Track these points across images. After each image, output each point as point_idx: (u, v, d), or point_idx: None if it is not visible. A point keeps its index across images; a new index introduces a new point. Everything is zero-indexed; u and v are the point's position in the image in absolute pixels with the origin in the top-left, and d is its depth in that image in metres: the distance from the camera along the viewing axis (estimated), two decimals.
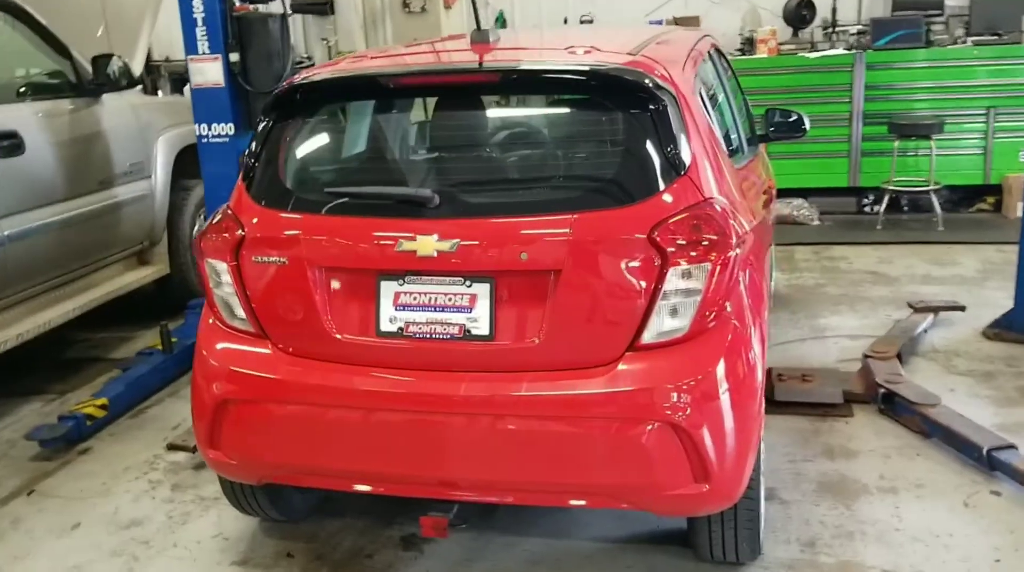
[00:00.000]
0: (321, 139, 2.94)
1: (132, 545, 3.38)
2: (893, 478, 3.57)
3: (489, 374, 2.67)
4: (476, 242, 2.65)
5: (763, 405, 2.76)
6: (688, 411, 2.55)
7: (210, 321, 2.99)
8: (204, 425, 2.93)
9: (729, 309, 2.65)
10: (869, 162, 8.09)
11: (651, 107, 2.68)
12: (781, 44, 8.58)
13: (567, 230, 2.60)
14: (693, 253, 2.56)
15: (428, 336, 2.70)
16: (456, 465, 2.72)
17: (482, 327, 2.67)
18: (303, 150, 2.92)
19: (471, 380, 2.66)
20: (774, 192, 5.08)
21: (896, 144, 7.60)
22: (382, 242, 2.69)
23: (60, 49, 5.25)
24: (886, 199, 7.77)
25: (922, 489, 3.48)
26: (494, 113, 2.89)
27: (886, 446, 3.83)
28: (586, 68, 2.75)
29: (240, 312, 2.88)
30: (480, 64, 2.82)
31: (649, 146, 2.67)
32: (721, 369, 2.59)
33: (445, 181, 2.82)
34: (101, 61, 5.32)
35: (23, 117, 4.77)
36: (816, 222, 8.01)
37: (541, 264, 2.62)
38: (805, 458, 3.77)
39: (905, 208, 8.16)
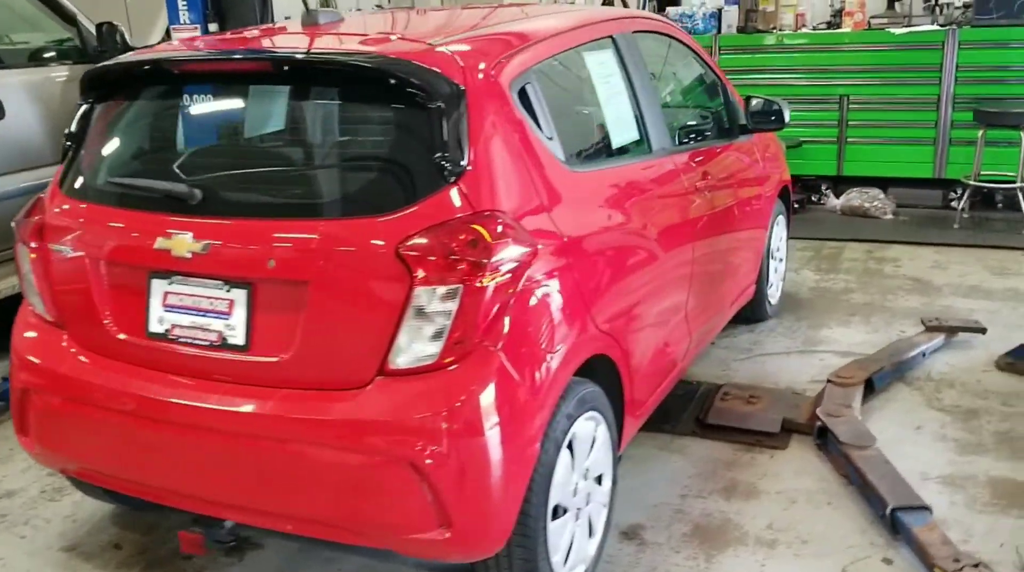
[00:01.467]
0: (118, 126, 2.82)
1: None
2: (781, 529, 3.15)
3: (241, 387, 2.49)
4: (229, 244, 2.46)
5: (535, 447, 2.44)
6: (427, 448, 2.29)
7: (26, 307, 2.95)
8: (13, 410, 2.91)
9: (495, 337, 2.34)
10: (959, 152, 7.24)
11: (425, 105, 2.39)
12: (873, 18, 7.80)
13: (316, 238, 2.37)
14: (443, 273, 2.28)
15: (191, 341, 2.55)
16: (203, 482, 2.57)
17: (238, 336, 2.49)
18: (101, 137, 2.81)
19: (222, 392, 2.50)
20: (773, 186, 4.60)
21: (980, 134, 6.76)
22: (146, 239, 2.55)
23: (66, 16, 5.37)
24: (966, 195, 6.95)
25: (805, 547, 3.05)
26: (268, 105, 2.67)
27: (798, 489, 3.39)
28: (354, 60, 2.48)
29: (38, 300, 2.83)
30: (252, 51, 2.61)
31: (417, 150, 2.40)
32: (470, 404, 2.30)
33: (210, 177, 2.64)
34: (106, 28, 5.40)
35: (7, 83, 4.90)
36: (888, 216, 7.28)
37: (290, 273, 2.41)
38: (700, 494, 3.39)
39: (999, 206, 7.29)
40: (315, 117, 2.60)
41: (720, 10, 7.74)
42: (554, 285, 2.53)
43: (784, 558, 2.99)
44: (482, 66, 2.53)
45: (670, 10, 7.93)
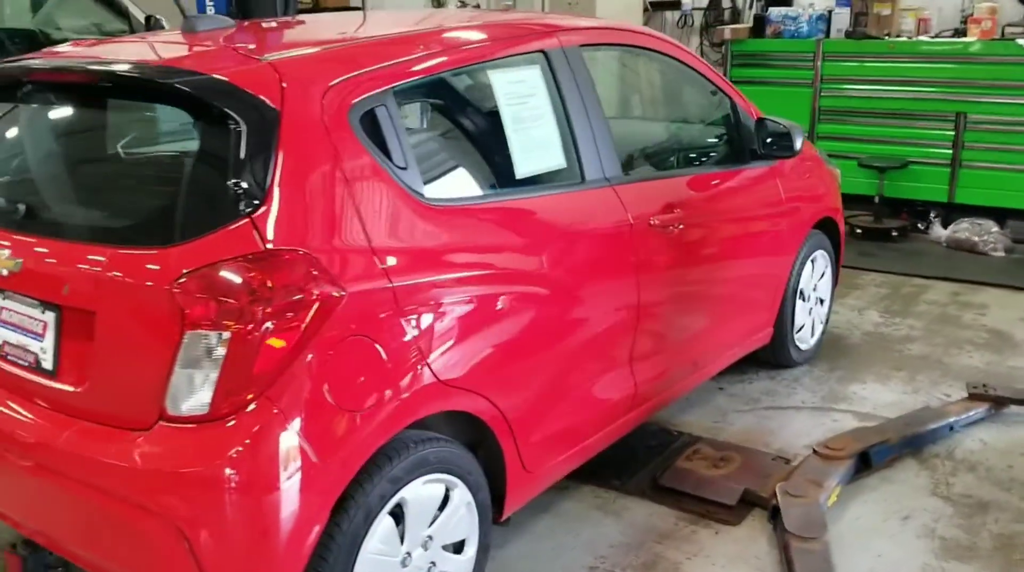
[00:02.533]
0: None
1: None
2: None
3: (49, 413, 2.36)
4: (38, 265, 2.34)
5: (323, 514, 2.17)
6: (182, 505, 2.09)
7: None
8: None
9: (279, 391, 2.10)
10: None
11: (229, 128, 2.17)
12: (1008, 26, 6.90)
13: (101, 266, 2.20)
14: (212, 317, 2.06)
15: (15, 360, 2.45)
16: (15, 503, 2.47)
17: (48, 360, 2.37)
18: None
19: (34, 415, 2.38)
20: (805, 218, 4.09)
21: None
22: None
23: (117, 8, 5.49)
24: None
25: None
26: (85, 121, 2.51)
27: None
28: (155, 77, 2.28)
29: None
30: (59, 64, 2.45)
31: (215, 177, 2.18)
32: (234, 463, 2.07)
33: (33, 193, 2.51)
34: (153, 20, 5.49)
35: None
36: (999, 253, 6.44)
37: (80, 301, 2.26)
38: (612, 568, 3.02)
39: None
40: (122, 136, 2.43)
41: (830, 12, 7.07)
42: (374, 335, 2.25)
43: None
44: (311, 87, 2.27)
45: (773, 10, 7.31)
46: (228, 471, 2.06)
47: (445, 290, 2.45)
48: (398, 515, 2.41)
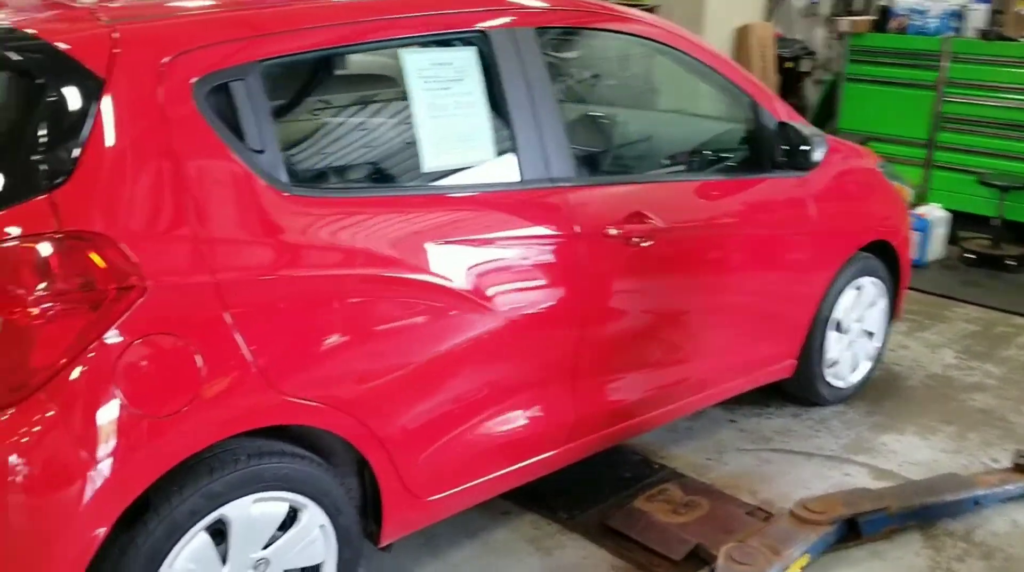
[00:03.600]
0: None
1: None
2: None
3: None
4: None
5: (98, 524, 1.97)
6: None
7: None
8: None
9: (59, 386, 1.92)
10: None
11: (46, 94, 1.99)
12: None
13: None
14: None
15: None
16: None
17: None
18: None
19: None
20: (846, 240, 3.65)
21: None
22: None
23: None
24: None
25: None
26: None
27: None
28: None
29: None
30: None
31: (25, 143, 1.99)
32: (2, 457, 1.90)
33: None
34: None
35: None
36: None
37: None
38: None
39: None
40: None
41: (964, 8, 6.28)
42: (187, 335, 2.03)
43: None
44: (149, 57, 2.05)
45: (900, 2, 6.57)
46: None
47: (298, 290, 2.19)
48: (223, 533, 2.18)
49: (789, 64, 7.51)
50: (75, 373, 1.92)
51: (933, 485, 3.29)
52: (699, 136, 3.44)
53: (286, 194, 2.19)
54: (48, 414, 1.91)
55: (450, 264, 2.46)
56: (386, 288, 2.33)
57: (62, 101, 1.97)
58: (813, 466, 3.57)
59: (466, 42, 2.58)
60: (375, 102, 2.63)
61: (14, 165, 1.97)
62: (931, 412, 4.03)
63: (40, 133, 1.96)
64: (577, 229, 2.72)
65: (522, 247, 2.62)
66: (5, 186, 1.97)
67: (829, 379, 3.94)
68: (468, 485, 2.70)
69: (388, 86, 2.56)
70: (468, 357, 2.54)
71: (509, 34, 2.63)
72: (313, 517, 2.33)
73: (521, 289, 2.63)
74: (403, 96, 2.45)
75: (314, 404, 2.24)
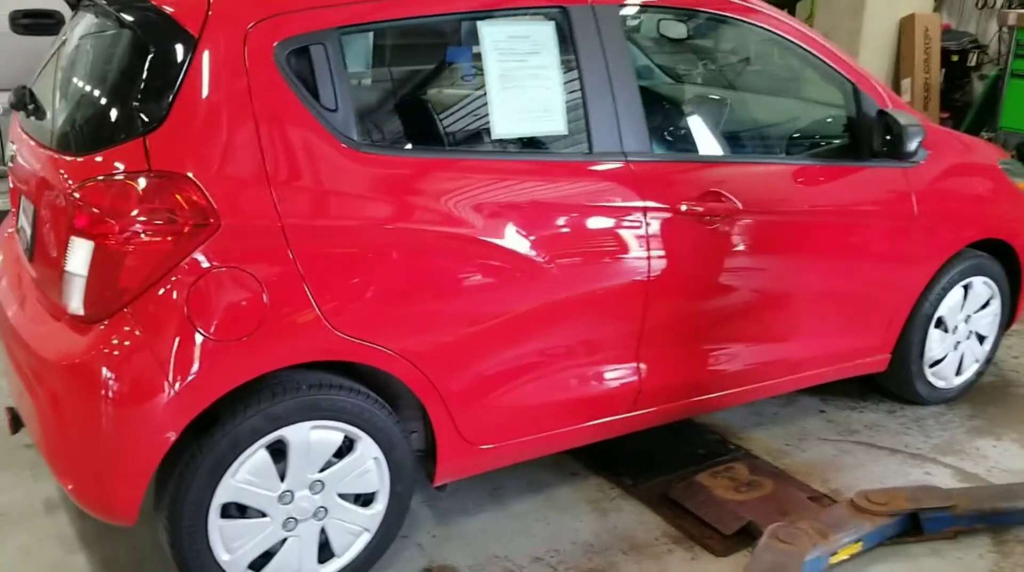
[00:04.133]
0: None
1: None
2: None
3: (29, 285, 2.65)
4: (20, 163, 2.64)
5: (168, 427, 2.25)
6: (48, 391, 2.35)
7: None
8: None
9: (142, 306, 2.23)
10: None
11: (148, 50, 2.29)
12: None
13: (40, 166, 2.45)
14: (85, 226, 2.22)
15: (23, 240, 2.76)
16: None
17: (27, 247, 2.66)
18: None
19: (22, 287, 2.69)
20: (948, 237, 3.57)
21: None
22: None
23: None
24: None
25: None
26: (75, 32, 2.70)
27: None
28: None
29: None
30: None
31: (128, 92, 2.31)
32: (88, 365, 2.24)
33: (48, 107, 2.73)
34: None
35: None
36: None
37: (31, 196, 2.52)
38: (555, 565, 2.85)
39: None
40: (89, 52, 2.61)
41: None
42: (254, 271, 2.28)
43: None
44: (237, 21, 2.31)
45: None
46: (88, 366, 2.22)
47: (360, 239, 2.40)
48: (283, 453, 2.43)
49: (955, 57, 7.16)
50: (155, 295, 2.21)
51: (1012, 491, 3.18)
52: (794, 121, 3.43)
53: (354, 150, 2.40)
54: (132, 329, 2.21)
55: (512, 227, 2.61)
56: (446, 244, 2.51)
57: (161, 56, 2.26)
58: (895, 462, 3.51)
59: (546, 16, 2.71)
60: (448, 70, 2.80)
61: (118, 111, 2.28)
62: None
63: (141, 83, 2.26)
64: (647, 202, 2.81)
65: (592, 214, 2.73)
66: (110, 129, 2.27)
67: (930, 378, 3.84)
68: (523, 439, 2.86)
69: (470, 58, 2.72)
70: (525, 317, 2.69)
71: (588, 11, 2.74)
72: (367, 449, 2.55)
73: (581, 256, 2.74)
74: (478, 66, 2.61)
75: (369, 345, 2.45)
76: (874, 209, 3.36)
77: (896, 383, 3.81)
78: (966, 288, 3.77)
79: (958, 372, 3.94)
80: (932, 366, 3.83)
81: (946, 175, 3.54)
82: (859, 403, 3.93)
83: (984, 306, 3.90)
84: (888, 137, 3.21)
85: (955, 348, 3.87)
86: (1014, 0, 7.05)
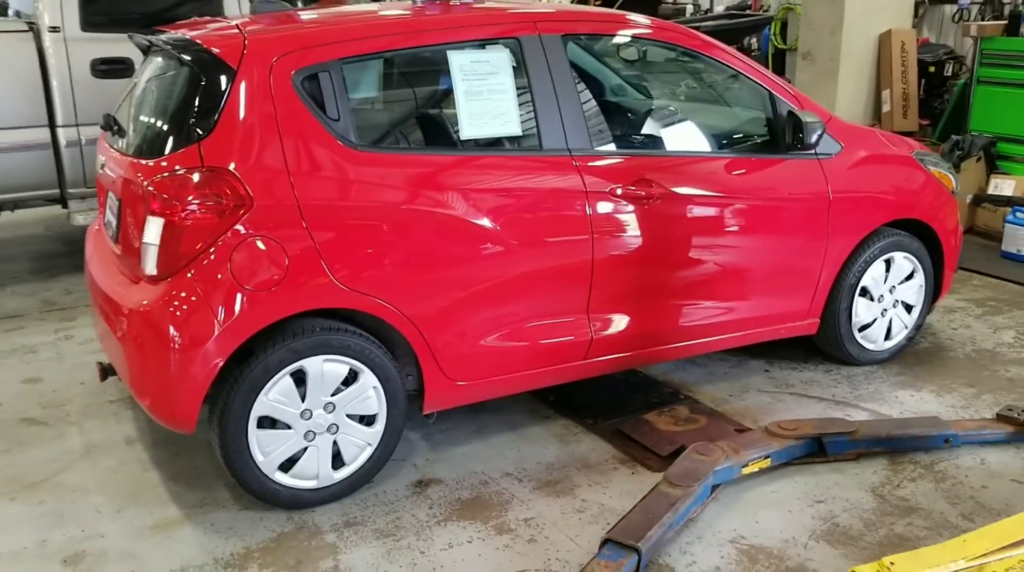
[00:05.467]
0: None
1: None
2: (533, 523, 3.28)
3: (115, 264, 3.50)
4: (108, 168, 3.52)
5: (217, 354, 3.04)
6: (127, 329, 3.19)
7: None
8: None
9: (196, 266, 3.04)
10: None
11: (200, 79, 3.14)
12: None
13: (123, 169, 3.31)
14: (157, 207, 3.05)
15: (109, 232, 3.62)
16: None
17: (113, 233, 3.52)
18: None
19: (111, 267, 3.53)
20: (866, 216, 4.24)
21: None
22: None
23: None
24: None
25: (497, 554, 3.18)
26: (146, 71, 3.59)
27: (604, 505, 3.40)
28: (169, 39, 3.29)
29: None
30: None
31: (188, 113, 3.15)
32: (154, 309, 3.07)
33: (125, 122, 3.61)
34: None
35: None
36: None
37: (117, 191, 3.38)
38: (519, 477, 3.59)
39: None
40: (156, 85, 3.48)
41: None
42: (278, 237, 3.08)
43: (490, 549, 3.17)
44: (265, 55, 3.14)
45: None
46: (149, 314, 3.06)
47: (357, 214, 3.19)
48: (303, 380, 3.22)
49: (932, 68, 7.79)
50: (207, 257, 3.02)
51: (907, 422, 3.84)
52: (724, 122, 4.15)
53: (352, 149, 3.21)
54: (190, 282, 3.03)
55: (477, 208, 3.37)
56: (425, 220, 3.29)
57: (210, 85, 3.10)
58: (821, 407, 4.18)
59: (501, 46, 3.51)
60: (425, 87, 3.60)
61: (180, 125, 3.12)
62: (958, 377, 4.49)
63: (196, 105, 3.09)
64: (587, 188, 3.56)
65: (542, 196, 3.49)
66: (176, 138, 3.12)
67: (860, 341, 4.49)
68: (496, 378, 3.61)
69: (441, 77, 3.52)
70: (494, 280, 3.44)
71: (535, 39, 3.53)
72: (367, 380, 3.32)
73: (539, 228, 3.50)
74: (449, 83, 3.41)
75: (365, 295, 3.23)
76: (792, 193, 4.07)
77: (829, 344, 4.48)
78: (888, 262, 4.43)
79: (887, 336, 4.58)
80: (861, 330, 4.49)
81: (858, 164, 4.23)
82: (800, 365, 4.60)
83: (908, 278, 4.55)
84: (796, 133, 3.92)
85: (883, 315, 4.52)
86: (987, 13, 7.66)
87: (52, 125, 5.47)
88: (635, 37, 3.96)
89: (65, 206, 5.75)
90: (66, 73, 5.43)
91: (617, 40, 4.21)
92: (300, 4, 7.46)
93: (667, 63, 4.62)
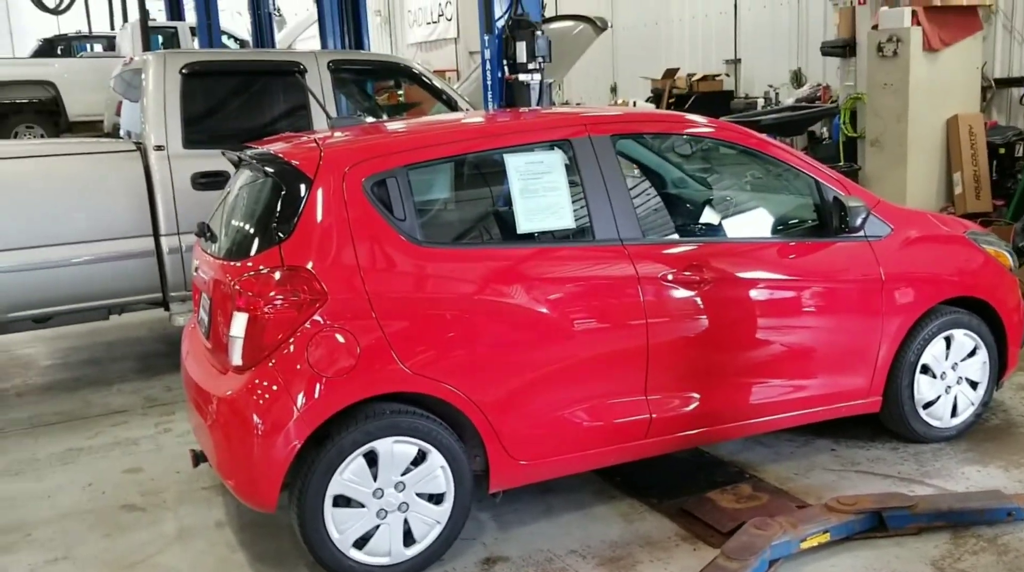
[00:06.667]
0: None
1: None
2: None
3: (206, 358, 3.85)
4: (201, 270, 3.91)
5: (295, 439, 3.32)
6: (215, 416, 3.51)
7: None
8: None
9: (278, 356, 3.35)
10: None
11: (282, 188, 3.51)
12: None
13: (212, 271, 3.68)
14: (242, 303, 3.39)
15: (202, 326, 3.99)
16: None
17: (205, 329, 3.88)
18: None
19: (203, 361, 3.88)
20: (915, 295, 4.34)
21: None
22: None
23: None
24: None
25: None
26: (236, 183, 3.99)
27: None
28: (254, 153, 3.70)
29: None
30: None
31: (271, 219, 3.52)
32: (239, 398, 3.39)
33: (218, 227, 4.01)
34: None
35: None
36: None
37: (208, 292, 3.75)
38: (583, 554, 3.72)
39: None
40: (244, 194, 3.87)
41: None
42: (351, 328, 3.37)
43: None
44: (338, 166, 3.50)
45: None
46: (233, 402, 3.38)
47: (423, 305, 3.47)
48: (375, 460, 3.47)
49: (1002, 150, 7.84)
50: (287, 347, 3.33)
51: (968, 496, 3.85)
52: (774, 210, 4.34)
53: (418, 246, 3.52)
54: (272, 371, 3.33)
55: (538, 297, 3.62)
56: (485, 308, 3.55)
57: (290, 193, 3.46)
58: (886, 484, 4.20)
59: (554, 147, 3.81)
60: (486, 187, 3.91)
61: (263, 229, 3.48)
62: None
63: (277, 211, 3.46)
64: (637, 272, 3.78)
65: (598, 284, 3.73)
66: (260, 241, 3.48)
67: (925, 418, 4.52)
68: (560, 458, 3.79)
69: (499, 178, 3.82)
70: (554, 364, 3.66)
71: (586, 140, 3.82)
72: (435, 460, 3.54)
73: (593, 318, 3.72)
74: (505, 182, 3.71)
75: (431, 380, 3.48)
76: (842, 274, 4.20)
77: (894, 422, 4.52)
78: (948, 339, 4.49)
79: (953, 413, 4.60)
80: (926, 407, 4.52)
81: (909, 245, 4.35)
82: (867, 443, 4.64)
83: (971, 355, 4.59)
84: (842, 216, 4.08)
85: (947, 392, 4.56)
86: None
87: (156, 234, 5.97)
88: (688, 136, 4.22)
89: (167, 309, 6.21)
90: (169, 186, 5.95)
91: (667, 138, 4.47)
92: (384, 115, 7.99)
93: (721, 155, 4.86)
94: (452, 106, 6.92)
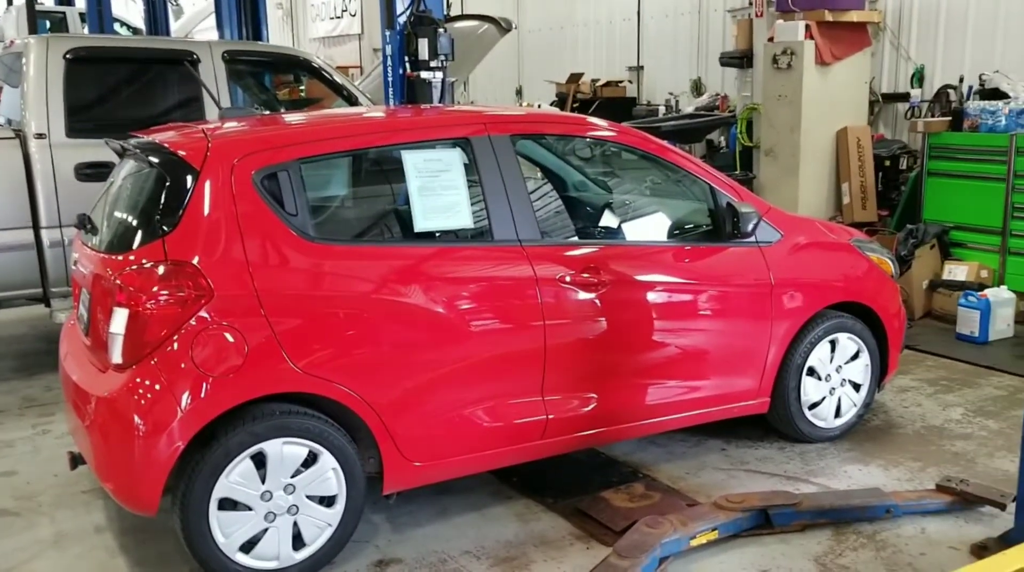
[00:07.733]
0: None
1: None
2: None
3: (86, 356, 3.67)
4: (81, 264, 3.73)
5: (178, 440, 3.19)
6: (93, 418, 3.35)
7: None
8: None
9: (159, 353, 3.21)
10: None
11: (167, 179, 3.38)
12: None
13: (92, 264, 3.52)
14: (122, 299, 3.24)
15: (81, 325, 3.81)
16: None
17: (84, 325, 3.70)
18: None
19: (82, 359, 3.70)
20: (808, 299, 4.46)
21: None
22: None
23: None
24: None
25: None
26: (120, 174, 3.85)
27: None
28: (138, 142, 3.56)
29: None
30: None
31: (153, 209, 3.39)
32: (118, 398, 3.24)
33: (97, 219, 3.84)
34: None
35: None
36: None
37: (88, 286, 3.58)
38: (478, 554, 3.69)
39: None
40: (128, 185, 3.72)
41: None
42: (238, 326, 3.26)
43: None
44: (227, 157, 3.39)
45: (970, 104, 7.16)
46: (113, 403, 3.23)
47: (314, 303, 3.39)
48: (263, 462, 3.36)
49: (887, 162, 8.15)
50: (170, 345, 3.20)
51: (849, 493, 3.97)
52: (670, 214, 4.40)
53: (309, 242, 3.43)
54: (154, 370, 3.20)
55: (431, 296, 3.57)
56: (379, 307, 3.49)
57: (176, 184, 3.34)
58: (772, 482, 4.31)
59: (452, 145, 3.77)
60: (382, 184, 3.85)
61: (147, 222, 3.34)
62: (906, 451, 4.64)
63: (162, 203, 3.33)
64: (535, 274, 3.77)
65: (496, 285, 3.70)
66: (143, 234, 3.34)
67: (811, 418, 4.66)
68: (455, 459, 3.75)
69: (396, 175, 3.76)
70: (450, 365, 3.62)
71: (486, 139, 3.79)
72: (327, 461, 3.46)
73: (489, 318, 3.69)
74: (403, 179, 3.65)
75: (322, 380, 3.39)
76: (734, 278, 4.29)
77: (781, 422, 4.64)
78: (833, 343, 4.63)
79: (837, 414, 4.75)
80: (811, 408, 4.65)
81: (797, 251, 4.47)
82: (756, 443, 4.75)
83: (854, 358, 4.74)
84: (734, 222, 4.16)
85: (831, 394, 4.70)
86: (935, 110, 8.06)
87: (36, 226, 5.70)
88: (590, 138, 4.24)
89: (48, 305, 5.93)
90: (51, 177, 5.68)
91: (568, 140, 4.49)
92: (283, 109, 7.81)
93: (622, 160, 4.90)
94: (353, 102, 6.81)
